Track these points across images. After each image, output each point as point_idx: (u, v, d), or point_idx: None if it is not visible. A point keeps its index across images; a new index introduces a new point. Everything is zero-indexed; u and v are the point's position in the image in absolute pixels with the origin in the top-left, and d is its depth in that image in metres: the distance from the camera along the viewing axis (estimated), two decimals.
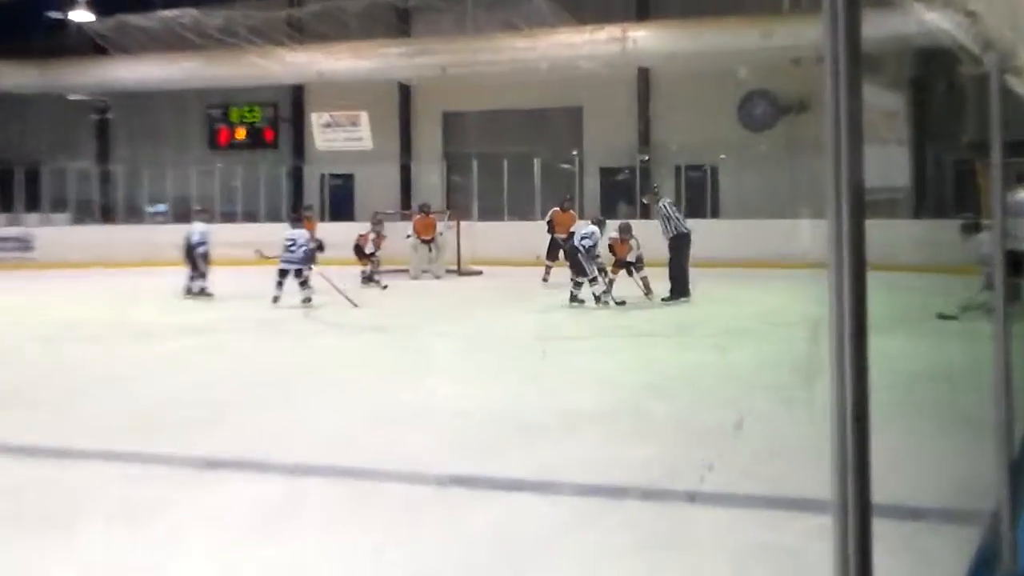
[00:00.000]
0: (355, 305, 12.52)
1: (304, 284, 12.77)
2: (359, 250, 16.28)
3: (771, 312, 11.60)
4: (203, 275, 13.93)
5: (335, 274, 13.30)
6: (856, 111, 1.54)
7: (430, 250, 17.53)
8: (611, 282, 12.57)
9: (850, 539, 1.55)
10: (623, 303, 12.11)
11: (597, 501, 4.48)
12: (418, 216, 17.85)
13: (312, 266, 12.94)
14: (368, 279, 15.78)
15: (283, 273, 12.76)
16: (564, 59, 19.37)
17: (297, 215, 14.48)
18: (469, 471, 4.91)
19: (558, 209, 16.67)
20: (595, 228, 12.68)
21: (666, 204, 13.01)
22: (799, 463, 4.71)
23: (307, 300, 12.61)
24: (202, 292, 13.87)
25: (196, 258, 13.98)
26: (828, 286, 1.57)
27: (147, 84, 22.72)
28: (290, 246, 12.87)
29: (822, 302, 1.56)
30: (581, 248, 12.43)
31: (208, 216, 15.86)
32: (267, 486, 4.82)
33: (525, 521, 4.17)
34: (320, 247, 13.71)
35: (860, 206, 1.58)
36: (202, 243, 14.02)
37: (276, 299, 12.61)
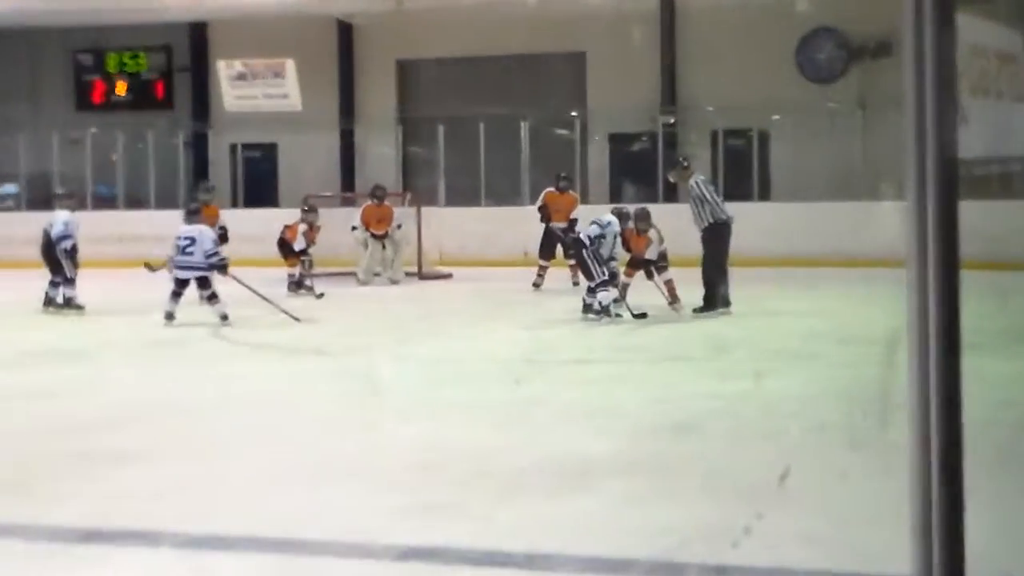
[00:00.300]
0: (296, 320, 12.55)
1: (212, 297, 12.76)
2: (285, 246, 16.33)
3: (835, 327, 11.66)
4: (69, 280, 13.89)
5: (252, 278, 13.30)
6: (948, 53, 1.52)
7: (384, 247, 17.57)
8: (625, 287, 12.64)
9: None
10: (643, 315, 12.18)
11: None
12: (369, 203, 17.89)
13: (221, 272, 12.86)
14: (297, 285, 15.83)
15: (181, 283, 12.74)
16: None
17: (195, 205, 14.40)
18: (435, 541, 4.95)
19: (553, 190, 16.74)
20: (613, 219, 12.75)
21: (699, 183, 13.08)
22: (866, 528, 4.77)
23: (224, 317, 12.61)
24: (69, 303, 13.84)
25: (59, 257, 13.94)
26: (906, 291, 1.58)
27: None
28: (187, 247, 12.77)
29: (903, 312, 1.60)
30: (586, 241, 12.50)
31: (75, 203, 15.78)
32: (160, 564, 4.85)
33: None
34: (223, 236, 13.71)
35: (951, 183, 1.58)
36: (66, 236, 13.93)
37: (170, 316, 12.58)
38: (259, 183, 23.64)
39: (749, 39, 20.97)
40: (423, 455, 6.56)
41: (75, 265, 13.93)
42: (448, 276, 18.07)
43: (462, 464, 6.34)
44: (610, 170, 22.43)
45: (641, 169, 21.91)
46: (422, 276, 18.06)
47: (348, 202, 20.06)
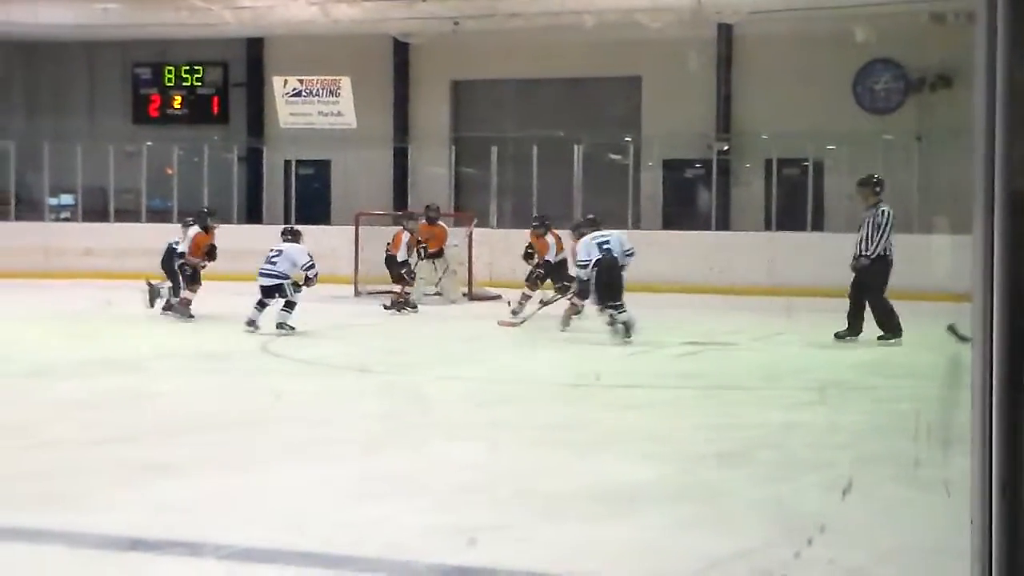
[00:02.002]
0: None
1: (288, 305, 13.32)
2: (392, 262, 16.38)
3: (890, 359, 11.57)
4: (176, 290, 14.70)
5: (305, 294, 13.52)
6: (1021, 83, 1.50)
7: (435, 268, 17.58)
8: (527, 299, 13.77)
9: None
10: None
11: None
12: (423, 222, 17.91)
13: (308, 284, 13.58)
14: (402, 304, 15.77)
15: (266, 292, 13.28)
16: (618, 12, 19.49)
17: (293, 227, 14.85)
18: (477, 561, 4.94)
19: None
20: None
21: (889, 212, 12.75)
22: (913, 565, 4.71)
23: (290, 328, 13.19)
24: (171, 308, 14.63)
25: (176, 271, 14.77)
26: (972, 325, 1.56)
27: (50, 31, 22.94)
28: (272, 256, 13.50)
29: (966, 346, 1.57)
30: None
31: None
32: (203, 574, 4.86)
33: None
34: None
35: (1019, 215, 1.56)
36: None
37: (251, 323, 13.21)
38: (312, 200, 23.73)
39: (806, 68, 20.89)
40: (467, 475, 6.57)
41: (194, 281, 14.46)
42: (497, 298, 18.05)
43: (505, 485, 6.33)
44: (663, 197, 22.37)
45: (694, 196, 21.86)
46: (472, 297, 18.07)
47: (401, 221, 20.12)
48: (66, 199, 24.37)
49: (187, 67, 25.35)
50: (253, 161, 24.82)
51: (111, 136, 24.19)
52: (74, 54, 25.01)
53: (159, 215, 23.17)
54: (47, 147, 23.70)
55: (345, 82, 21.54)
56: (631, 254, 12.91)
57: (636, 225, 20.62)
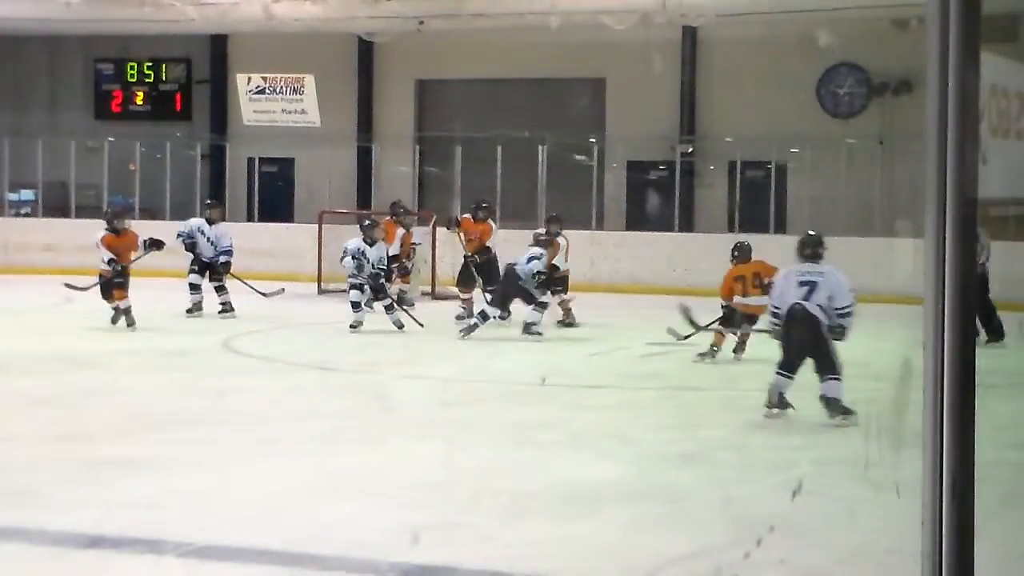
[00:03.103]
0: (421, 325, 13.49)
1: (391, 307, 13.71)
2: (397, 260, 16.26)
3: (847, 361, 11.64)
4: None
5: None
6: (972, 92, 1.53)
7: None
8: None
9: None
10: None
11: None
12: (387, 219, 17.84)
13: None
14: (400, 301, 15.31)
15: (361, 289, 13.48)
16: (583, 14, 19.53)
17: (373, 221, 14.83)
18: (441, 560, 4.97)
19: (468, 216, 16.67)
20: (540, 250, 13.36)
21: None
22: (865, 563, 4.77)
23: (399, 326, 13.56)
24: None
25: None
26: (924, 328, 1.59)
27: (11, 24, 22.77)
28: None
29: (916, 349, 1.61)
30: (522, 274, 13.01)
31: (220, 213, 16.17)
32: (163, 571, 4.87)
33: None
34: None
35: (970, 222, 1.59)
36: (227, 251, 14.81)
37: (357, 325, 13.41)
38: (275, 197, 23.68)
39: (770, 72, 20.97)
40: (431, 474, 6.59)
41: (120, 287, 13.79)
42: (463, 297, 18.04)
43: (470, 484, 6.37)
44: (627, 198, 22.44)
45: (658, 198, 21.95)
46: (434, 296, 18.05)
47: (363, 219, 20.07)
48: (26, 194, 24.21)
49: (150, 63, 25.19)
50: (216, 158, 24.70)
51: (72, 131, 24.05)
52: (35, 49, 24.81)
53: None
54: (7, 142, 23.59)
55: (309, 80, 21.49)
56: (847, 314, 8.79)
57: (600, 226, 20.69)
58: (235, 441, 7.55)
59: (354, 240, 13.74)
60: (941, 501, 1.55)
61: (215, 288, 14.62)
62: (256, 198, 23.63)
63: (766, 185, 20.95)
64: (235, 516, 5.71)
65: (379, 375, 10.79)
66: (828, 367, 8.33)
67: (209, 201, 16.69)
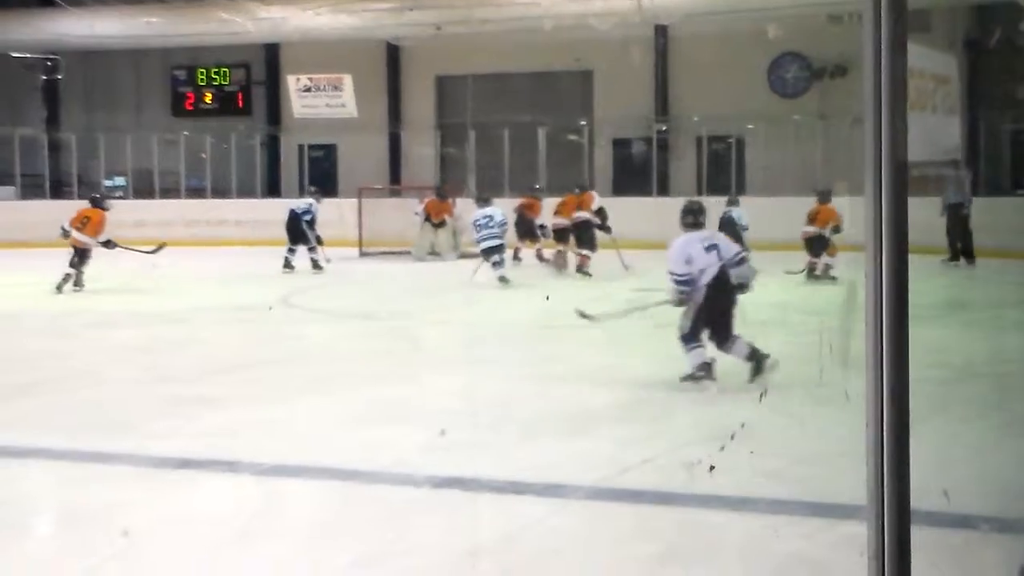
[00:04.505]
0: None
1: (499, 264, 13.41)
2: (527, 224, 16.16)
3: (800, 300, 11.63)
4: (312, 248, 15.20)
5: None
6: (900, 74, 1.52)
7: (436, 233, 17.59)
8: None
9: (887, 548, 1.55)
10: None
11: (610, 506, 4.56)
12: (431, 198, 17.83)
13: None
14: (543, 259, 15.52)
15: (488, 252, 13.40)
16: (572, 16, 19.36)
17: (486, 194, 14.81)
18: (465, 472, 4.97)
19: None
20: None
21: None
22: (833, 464, 4.76)
23: (503, 279, 13.24)
24: (315, 264, 15.18)
25: (304, 229, 15.18)
26: (865, 272, 1.58)
27: (103, 40, 22.75)
28: (487, 223, 13.50)
29: (858, 288, 1.58)
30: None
31: (319, 193, 16.57)
32: (240, 487, 4.88)
33: (531, 527, 4.23)
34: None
35: (902, 182, 1.58)
36: (307, 213, 15.30)
37: (503, 279, 13.25)
38: (322, 177, 23.63)
39: (729, 60, 20.84)
40: (456, 403, 6.59)
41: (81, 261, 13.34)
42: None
43: (488, 410, 6.36)
44: (613, 169, 22.38)
45: (638, 168, 21.88)
46: (459, 256, 18.07)
47: (395, 193, 20.08)
48: (119, 180, 24.24)
49: (216, 69, 25.11)
50: (272, 146, 24.71)
51: (154, 127, 24.08)
52: (122, 60, 24.73)
53: (196, 192, 23.34)
54: (102, 138, 23.66)
55: (347, 79, 21.45)
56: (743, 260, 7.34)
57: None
58: (294, 380, 7.55)
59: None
60: (882, 405, 1.55)
61: (308, 249, 15.16)
62: (306, 178, 23.61)
63: (728, 156, 20.94)
64: (296, 441, 5.72)
65: (411, 321, 10.78)
66: (728, 330, 7.07)
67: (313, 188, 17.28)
